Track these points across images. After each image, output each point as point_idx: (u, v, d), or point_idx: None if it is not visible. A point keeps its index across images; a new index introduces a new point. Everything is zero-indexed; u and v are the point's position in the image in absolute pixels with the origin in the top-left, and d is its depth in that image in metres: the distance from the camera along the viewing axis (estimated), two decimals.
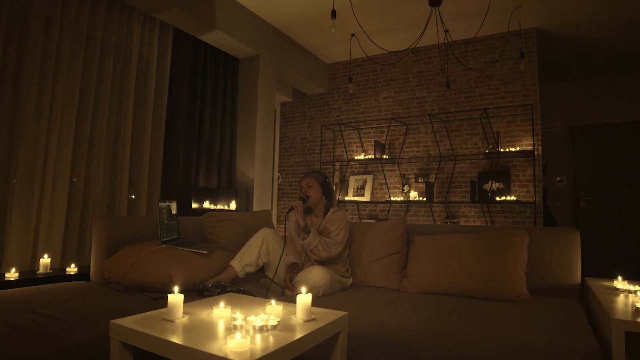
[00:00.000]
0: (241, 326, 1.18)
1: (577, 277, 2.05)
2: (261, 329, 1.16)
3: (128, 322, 1.22)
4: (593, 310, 1.77)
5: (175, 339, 1.07)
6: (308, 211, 2.32)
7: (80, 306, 1.57)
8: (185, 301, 1.56)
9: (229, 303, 1.45)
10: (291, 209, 2.18)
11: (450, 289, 1.99)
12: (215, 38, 3.71)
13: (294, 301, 1.37)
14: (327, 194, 2.27)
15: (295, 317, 1.29)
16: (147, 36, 3.40)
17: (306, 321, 1.27)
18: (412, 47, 4.34)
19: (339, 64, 5.25)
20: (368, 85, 5.02)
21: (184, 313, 1.30)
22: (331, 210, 2.29)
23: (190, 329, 1.18)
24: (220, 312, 1.31)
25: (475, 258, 2.01)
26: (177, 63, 3.65)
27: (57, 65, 2.75)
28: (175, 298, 1.26)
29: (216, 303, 1.37)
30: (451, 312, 1.66)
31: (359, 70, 5.09)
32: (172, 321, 1.24)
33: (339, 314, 1.37)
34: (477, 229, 2.26)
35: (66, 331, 1.31)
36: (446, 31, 4.08)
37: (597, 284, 1.95)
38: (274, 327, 1.18)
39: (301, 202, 2.19)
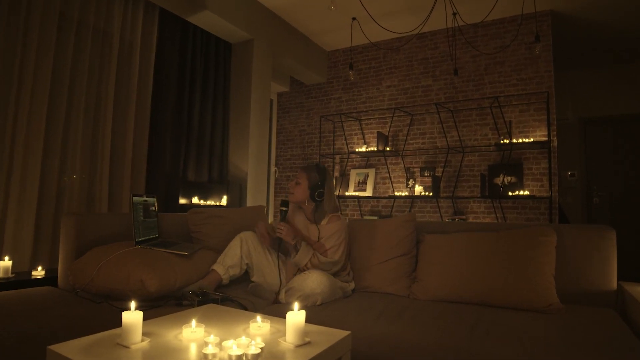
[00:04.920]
0: (213, 355, 0.92)
1: (613, 282, 1.78)
2: (239, 359, 0.90)
3: (69, 348, 0.95)
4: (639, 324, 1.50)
5: None
6: (298, 208, 2.01)
7: (28, 322, 1.30)
8: (159, 314, 1.31)
9: (204, 319, 1.18)
10: (280, 240, 1.85)
11: (468, 296, 1.72)
12: (205, 20, 3.43)
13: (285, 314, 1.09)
14: (315, 195, 1.88)
15: (285, 340, 1.02)
16: (129, 17, 3.12)
17: (298, 346, 1.00)
18: (418, 31, 4.05)
19: (339, 52, 4.96)
20: (370, 73, 4.74)
21: (144, 334, 1.03)
22: (327, 217, 1.92)
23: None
24: (191, 334, 1.04)
25: (496, 261, 1.74)
26: (163, 47, 3.37)
27: (26, 48, 2.47)
28: (131, 317, 0.99)
29: (187, 320, 1.10)
30: (473, 326, 1.39)
31: (360, 57, 4.80)
32: (127, 347, 0.97)
33: (341, 334, 1.10)
34: (496, 226, 1.98)
35: None
36: (454, 14, 3.80)
37: (638, 291, 1.68)
38: (256, 356, 0.91)
39: (283, 219, 1.86)
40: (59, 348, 0.95)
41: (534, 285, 1.64)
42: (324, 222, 1.91)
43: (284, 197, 1.96)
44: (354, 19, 4.13)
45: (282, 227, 1.79)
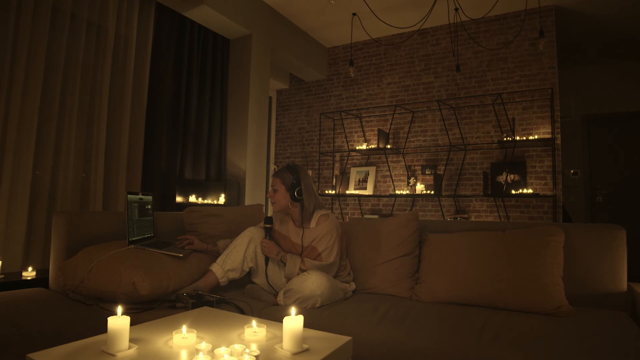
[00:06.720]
0: None
1: (623, 283, 1.71)
2: None
3: (51, 356, 0.89)
4: None
5: None
6: (285, 216, 1.93)
7: (12, 326, 1.23)
8: (151, 317, 1.25)
9: (197, 323, 1.12)
10: (267, 259, 1.82)
11: (473, 298, 1.66)
12: (203, 15, 3.36)
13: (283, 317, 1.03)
14: (295, 195, 1.78)
15: (282, 347, 0.96)
16: (125, 11, 3.04)
17: (295, 354, 0.94)
18: (419, 26, 3.99)
19: (338, 48, 4.89)
20: (370, 70, 4.67)
21: (132, 340, 0.97)
22: (315, 215, 1.81)
23: None
24: (182, 340, 0.98)
25: (503, 261, 1.67)
26: (160, 43, 3.29)
27: (17, 43, 2.40)
28: (117, 322, 0.93)
29: (179, 324, 1.04)
30: (481, 329, 1.33)
31: (361, 54, 4.73)
32: (113, 355, 0.91)
33: (341, 340, 1.04)
34: (501, 226, 1.92)
35: None
36: (456, 9, 3.73)
37: None
38: None
39: (267, 236, 1.82)
40: (40, 356, 0.89)
41: (542, 286, 1.57)
42: (312, 223, 1.81)
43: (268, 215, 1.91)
44: (354, 14, 4.07)
45: (265, 245, 1.79)
